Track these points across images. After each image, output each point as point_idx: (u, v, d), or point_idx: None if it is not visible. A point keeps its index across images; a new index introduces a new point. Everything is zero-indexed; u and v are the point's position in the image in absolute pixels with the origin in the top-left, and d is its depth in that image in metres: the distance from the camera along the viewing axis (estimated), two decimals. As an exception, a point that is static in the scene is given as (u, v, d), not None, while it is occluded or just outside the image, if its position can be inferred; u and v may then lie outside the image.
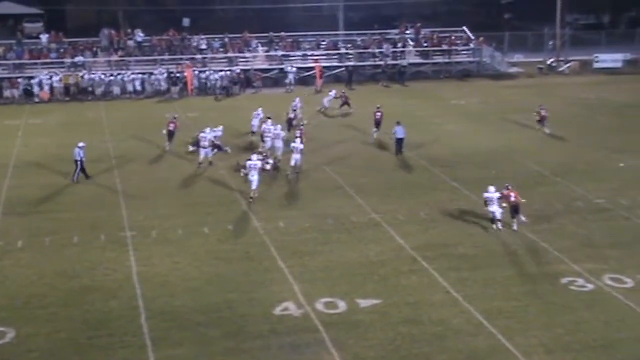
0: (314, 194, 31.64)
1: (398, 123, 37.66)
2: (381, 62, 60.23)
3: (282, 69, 58.20)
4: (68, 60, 55.66)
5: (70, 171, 33.64)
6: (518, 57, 66.38)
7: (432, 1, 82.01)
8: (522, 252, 25.50)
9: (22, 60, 55.79)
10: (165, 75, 54.85)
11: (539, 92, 53.91)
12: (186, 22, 65.51)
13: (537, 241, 26.31)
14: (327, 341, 19.68)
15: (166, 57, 57.54)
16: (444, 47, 62.66)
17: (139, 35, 58.99)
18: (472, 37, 64.00)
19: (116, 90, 53.94)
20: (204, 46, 59.09)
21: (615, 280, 23.16)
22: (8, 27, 72.35)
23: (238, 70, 56.51)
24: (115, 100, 52.80)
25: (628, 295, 22.22)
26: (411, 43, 63.16)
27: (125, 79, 54.43)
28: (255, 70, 57.59)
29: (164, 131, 38.24)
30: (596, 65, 65.34)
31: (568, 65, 64.94)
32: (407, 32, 64.21)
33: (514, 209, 27.30)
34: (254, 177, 30.24)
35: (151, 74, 55.24)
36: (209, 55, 58.57)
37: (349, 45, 62.00)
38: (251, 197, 30.38)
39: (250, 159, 30.78)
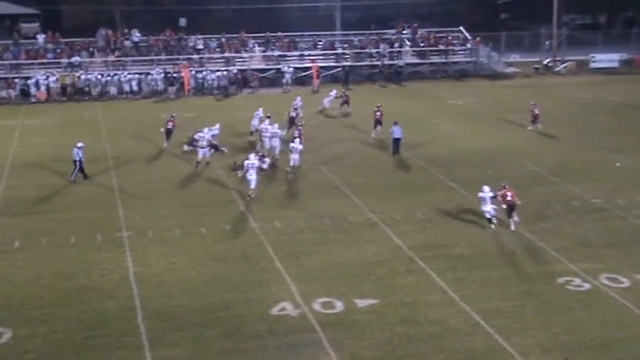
0: (311, 194, 31.63)
1: (395, 123, 37.70)
2: (378, 62, 60.31)
3: (279, 69, 58.20)
4: (65, 60, 55.67)
5: (67, 171, 33.62)
6: (515, 57, 66.47)
7: (429, 1, 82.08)
8: (519, 252, 25.51)
9: (18, 60, 55.79)
10: (162, 75, 54.82)
11: (536, 92, 53.94)
12: (183, 22, 65.48)
13: (534, 241, 26.32)
14: (324, 341, 19.67)
15: (163, 57, 57.55)
16: (441, 47, 62.74)
17: (136, 35, 58.97)
18: (469, 37, 64.06)
19: (113, 90, 53.93)
20: (200, 46, 59.07)
21: (612, 280, 23.18)
22: (5, 27, 72.22)
23: (235, 71, 56.48)
24: (112, 101, 52.78)
25: (625, 294, 22.23)
26: (408, 43, 63.22)
27: (122, 79, 54.43)
28: (252, 70, 57.57)
29: (162, 129, 38.35)
30: (593, 65, 65.45)
31: (565, 65, 65.03)
32: (404, 32, 64.28)
33: (510, 209, 27.34)
34: (252, 177, 30.27)
35: (148, 74, 55.25)
36: (206, 56, 58.57)
37: (346, 46, 62.07)
38: (249, 196, 30.40)
39: (248, 159, 30.80)
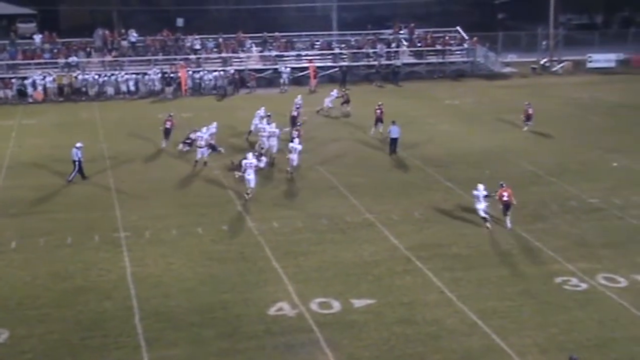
0: (309, 194, 31.64)
1: (393, 123, 37.83)
2: (375, 63, 60.28)
3: (276, 69, 58.18)
4: (62, 60, 55.56)
5: (64, 171, 33.64)
6: (512, 57, 66.45)
7: (426, 1, 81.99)
8: (516, 252, 25.55)
9: (15, 60, 55.66)
10: (160, 75, 54.78)
11: (533, 92, 53.96)
12: (180, 22, 65.40)
13: (531, 241, 26.36)
14: (321, 341, 19.69)
15: (160, 57, 57.46)
16: (438, 47, 62.70)
17: (133, 35, 58.89)
18: (466, 37, 64.06)
19: (110, 90, 53.86)
20: (198, 46, 59.01)
21: (609, 280, 23.22)
22: (1, 27, 72.15)
23: (232, 71, 56.46)
24: (109, 101, 52.71)
25: (621, 294, 22.28)
26: (405, 43, 63.18)
27: (119, 79, 54.36)
28: (250, 70, 57.55)
29: (162, 129, 38.53)
30: (589, 65, 65.47)
31: (561, 65, 65.05)
32: (401, 32, 64.24)
33: (506, 208, 27.42)
34: (250, 176, 30.28)
35: (145, 74, 55.17)
36: (203, 56, 58.50)
37: (343, 46, 62.02)
38: (247, 193, 30.41)
39: (246, 158, 30.80)
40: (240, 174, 31.32)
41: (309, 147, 36.64)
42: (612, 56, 66.20)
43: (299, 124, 38.76)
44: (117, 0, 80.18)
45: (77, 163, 33.10)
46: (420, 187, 32.54)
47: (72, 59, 55.65)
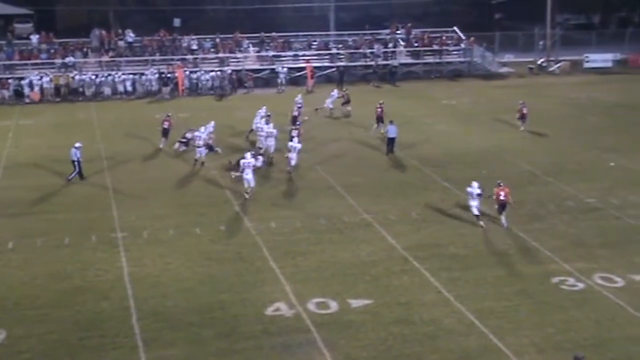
0: (306, 194, 31.66)
1: (391, 122, 37.98)
2: (372, 63, 60.29)
3: (273, 69, 58.17)
4: (58, 60, 55.51)
5: (61, 172, 33.66)
6: (509, 57, 66.49)
7: (423, 1, 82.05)
8: (513, 251, 25.58)
9: (12, 61, 55.59)
10: (157, 75, 54.76)
11: (530, 92, 54.02)
12: (177, 22, 65.37)
13: (528, 241, 26.39)
14: (318, 341, 19.70)
15: (157, 57, 57.42)
16: (435, 47, 62.71)
17: (130, 35, 58.85)
18: (463, 37, 64.08)
19: (107, 90, 53.82)
20: (195, 47, 58.98)
21: (606, 280, 23.25)
22: (-2, 27, 72.16)
23: (229, 71, 56.46)
24: (106, 101, 52.67)
25: (618, 294, 22.31)
26: (402, 43, 63.22)
27: (116, 79, 54.31)
28: (247, 70, 57.54)
29: (160, 129, 38.59)
30: (586, 65, 65.55)
31: (558, 65, 65.12)
32: (398, 32, 64.25)
33: (502, 206, 27.52)
34: (249, 176, 30.29)
35: (142, 74, 55.14)
36: (200, 56, 58.49)
37: (340, 46, 62.02)
38: (247, 192, 30.42)
39: (244, 158, 30.80)
40: (237, 174, 31.33)
41: (307, 147, 36.67)
42: (609, 56, 66.29)
43: (298, 123, 38.82)
44: (114, 1, 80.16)
45: (76, 163, 33.12)
46: (418, 187, 32.56)
47: (69, 59, 55.61)
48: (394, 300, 21.93)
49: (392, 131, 37.51)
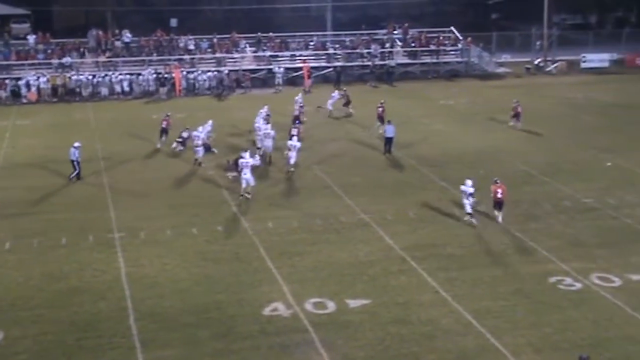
0: (304, 194, 31.65)
1: (389, 122, 38.05)
2: (369, 63, 60.29)
3: (270, 69, 58.14)
4: (55, 61, 55.45)
5: (58, 172, 33.66)
6: (506, 57, 66.51)
7: (420, 2, 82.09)
8: (510, 251, 25.58)
9: (9, 61, 55.53)
10: (154, 76, 54.71)
11: (527, 92, 54.05)
12: (174, 22, 65.30)
13: (525, 241, 26.40)
14: (316, 341, 19.69)
15: (154, 57, 57.37)
16: (432, 47, 62.74)
17: (127, 35, 58.80)
18: (460, 38, 64.10)
19: (104, 91, 53.77)
20: (192, 47, 58.95)
21: (603, 280, 23.26)
22: (-5, 28, 72.01)
23: (227, 72, 56.42)
24: (103, 101, 52.63)
25: (616, 294, 22.32)
26: (399, 43, 63.23)
27: (113, 79, 54.26)
28: (244, 70, 57.51)
29: (159, 129, 38.67)
30: (583, 65, 65.57)
31: (555, 65, 65.15)
32: (395, 32, 64.28)
33: (499, 204, 27.59)
34: (247, 175, 30.27)
35: (139, 74, 55.11)
36: (197, 56, 58.45)
37: (337, 46, 62.04)
38: (248, 193, 30.43)
39: (242, 157, 30.77)
40: (234, 174, 31.31)
41: (306, 146, 36.67)
42: (606, 56, 66.32)
43: (297, 122, 38.84)
44: (111, 1, 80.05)
45: (75, 163, 33.12)
46: (415, 187, 32.57)
47: (66, 60, 55.55)
48: (391, 300, 21.93)
49: (389, 131, 37.56)
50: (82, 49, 57.50)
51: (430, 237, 26.81)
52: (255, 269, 24.18)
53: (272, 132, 36.05)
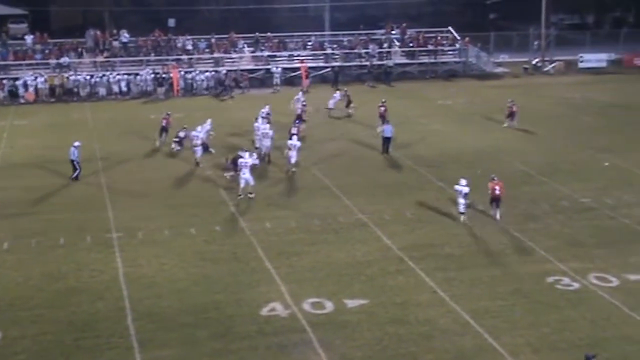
0: (302, 194, 31.66)
1: (387, 122, 38.02)
2: (367, 63, 60.28)
3: (268, 69, 58.13)
4: (53, 61, 55.39)
5: (56, 172, 33.66)
6: (503, 57, 66.48)
7: (418, 2, 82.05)
8: (508, 251, 25.61)
9: (6, 61, 55.44)
10: (152, 76, 54.66)
11: (525, 92, 54.07)
12: (172, 22, 65.25)
13: (523, 240, 26.42)
14: (314, 341, 19.70)
15: (152, 57, 57.32)
16: (430, 47, 62.71)
17: (125, 36, 58.74)
18: (458, 38, 64.08)
19: (102, 91, 53.72)
20: (189, 47, 58.93)
21: (601, 279, 23.30)
22: (-8, 28, 71.93)
23: (225, 72, 56.40)
24: (100, 102, 52.57)
25: (613, 294, 22.35)
26: (397, 43, 63.19)
27: (111, 79, 54.20)
28: (242, 70, 57.50)
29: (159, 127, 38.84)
30: (581, 65, 65.58)
31: (553, 65, 65.17)
32: (393, 32, 64.23)
33: (496, 202, 27.66)
34: (246, 175, 30.26)
35: (137, 74, 55.05)
36: (195, 56, 58.41)
37: (335, 46, 62.02)
38: (250, 193, 30.46)
39: (242, 157, 30.76)
40: (232, 174, 31.30)
41: (305, 146, 36.73)
42: (604, 56, 66.35)
43: (297, 122, 38.85)
44: (108, 1, 79.98)
45: (75, 162, 33.13)
46: (413, 187, 32.58)
47: (64, 60, 55.48)
48: (389, 300, 21.94)
49: (387, 131, 37.62)
50: (79, 49, 57.40)
51: (428, 237, 26.83)
52: (253, 269, 24.19)
53: (271, 132, 36.03)
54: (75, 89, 53.61)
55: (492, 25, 77.68)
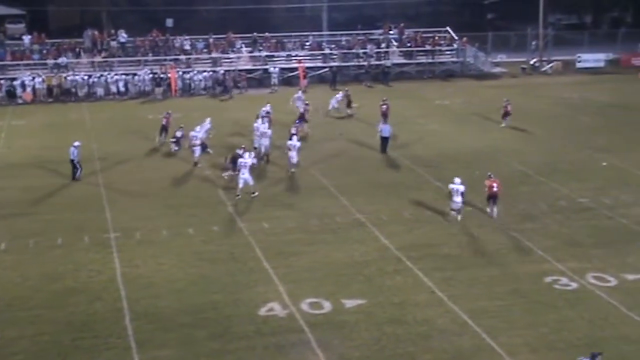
0: (300, 194, 31.65)
1: (386, 122, 38.05)
2: (365, 63, 60.28)
3: (266, 69, 58.13)
4: (51, 61, 55.35)
5: (54, 172, 33.66)
6: (501, 57, 66.52)
7: (416, 1, 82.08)
8: (506, 251, 25.61)
9: (4, 61, 55.38)
10: (150, 76, 54.64)
11: (522, 92, 54.13)
12: (169, 22, 65.26)
13: (521, 240, 26.44)
14: (312, 342, 19.70)
15: (150, 58, 57.30)
16: (428, 47, 62.71)
17: (122, 36, 58.72)
18: (456, 38, 64.10)
19: (100, 91, 53.69)
20: (187, 47, 58.93)
21: (599, 279, 23.31)
22: (-10, 28, 71.86)
23: (222, 72, 56.40)
24: (98, 102, 52.53)
25: (611, 293, 22.37)
26: (395, 43, 63.22)
27: (109, 80, 54.16)
28: (240, 70, 57.49)
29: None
30: (579, 65, 65.66)
31: (551, 65, 65.21)
32: (391, 32, 64.25)
33: (493, 199, 27.72)
34: (245, 175, 30.25)
35: (135, 75, 55.02)
36: (193, 56, 58.40)
37: (333, 46, 62.01)
38: (252, 192, 30.47)
39: (241, 157, 30.75)
40: (230, 173, 31.27)
41: (305, 146, 36.69)
42: (602, 56, 66.44)
43: (297, 122, 38.84)
44: (106, 1, 79.89)
45: (75, 162, 33.12)
46: (411, 187, 32.58)
47: (62, 60, 55.46)
48: (387, 300, 21.95)
49: (385, 130, 37.65)
50: (77, 49, 57.35)
51: (426, 237, 26.84)
52: (251, 269, 24.19)
53: (269, 132, 36.01)
54: (73, 89, 53.55)
55: (490, 25, 77.78)
